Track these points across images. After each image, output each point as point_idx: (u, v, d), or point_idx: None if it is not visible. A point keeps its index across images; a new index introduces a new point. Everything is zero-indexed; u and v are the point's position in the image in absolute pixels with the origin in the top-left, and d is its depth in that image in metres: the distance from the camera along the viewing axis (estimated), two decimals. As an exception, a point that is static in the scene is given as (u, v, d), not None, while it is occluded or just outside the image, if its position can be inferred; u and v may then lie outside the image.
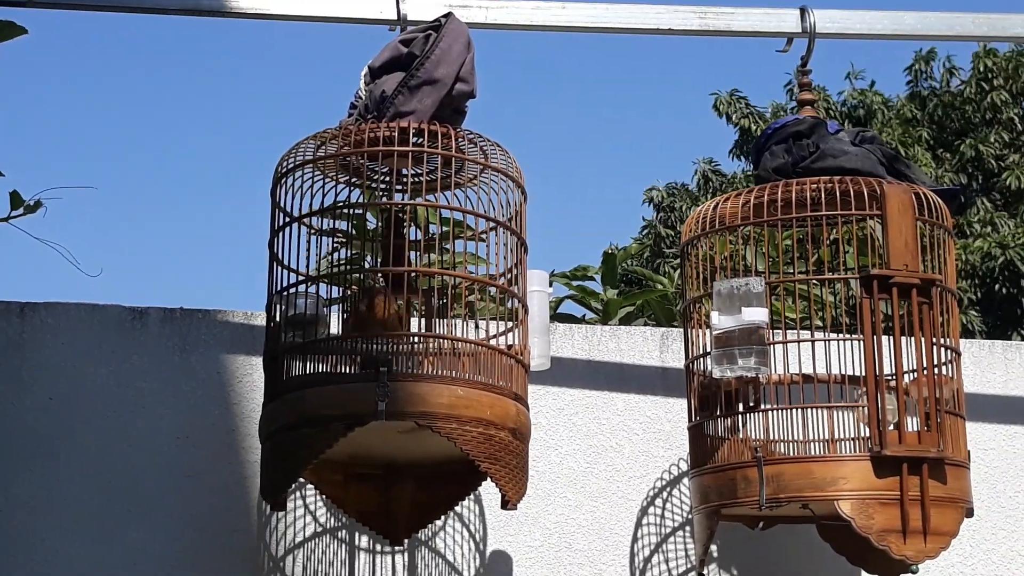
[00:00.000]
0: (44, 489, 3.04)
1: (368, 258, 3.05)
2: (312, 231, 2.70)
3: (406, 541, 2.98)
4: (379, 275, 2.77)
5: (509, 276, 2.70)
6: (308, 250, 2.65)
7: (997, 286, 12.42)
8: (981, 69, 14.52)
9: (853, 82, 15.21)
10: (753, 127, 14.71)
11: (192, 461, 3.12)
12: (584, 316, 5.51)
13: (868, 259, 2.79)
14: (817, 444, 2.91)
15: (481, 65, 2.75)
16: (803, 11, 3.16)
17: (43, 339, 3.12)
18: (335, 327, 2.87)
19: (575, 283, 5.52)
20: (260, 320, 3.19)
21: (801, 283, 3.09)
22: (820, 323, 3.78)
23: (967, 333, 11.54)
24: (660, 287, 5.63)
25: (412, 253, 2.83)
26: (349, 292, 2.79)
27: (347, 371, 2.58)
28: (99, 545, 3.04)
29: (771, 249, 2.87)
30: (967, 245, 12.38)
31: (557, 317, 5.23)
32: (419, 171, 2.79)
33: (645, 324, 4.73)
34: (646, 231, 15.42)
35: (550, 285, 3.00)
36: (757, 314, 2.68)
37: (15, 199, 2.73)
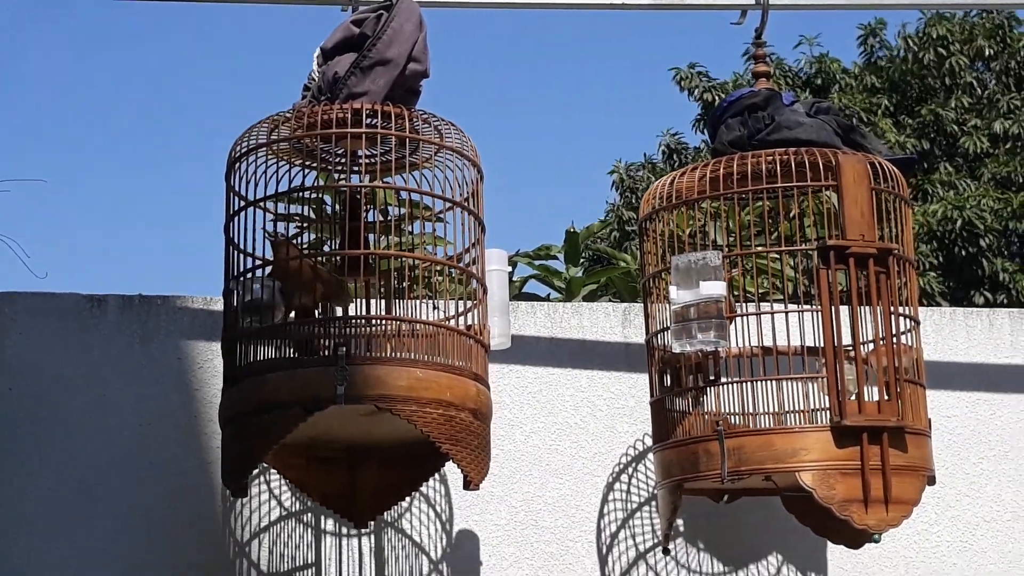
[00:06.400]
0: (5, 478, 3.02)
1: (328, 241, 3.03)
2: (270, 215, 2.68)
3: (371, 523, 2.98)
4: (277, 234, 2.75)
5: (467, 256, 2.69)
6: (264, 234, 2.64)
7: (956, 248, 12.46)
8: (935, 36, 14.56)
9: (810, 49, 15.19)
10: (715, 100, 14.68)
11: (154, 448, 3.11)
12: (548, 295, 5.50)
13: (826, 231, 2.80)
14: (778, 416, 2.92)
15: (435, 44, 2.74)
16: (757, -18, 3.16)
17: (1, 329, 3.10)
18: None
19: (538, 263, 5.49)
20: (220, 305, 3.17)
21: (760, 256, 3.09)
22: (781, 295, 3.78)
23: (927, 297, 11.58)
24: (623, 264, 5.62)
25: (370, 235, 2.81)
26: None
27: (292, 354, 2.57)
28: (62, 534, 3.02)
29: (731, 223, 2.87)
30: (926, 210, 12.43)
31: (521, 297, 5.21)
32: (374, 152, 2.78)
33: (609, 302, 4.72)
34: (610, 213, 15.40)
35: (513, 265, 2.99)
36: (715, 287, 2.68)
37: None
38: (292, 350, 2.58)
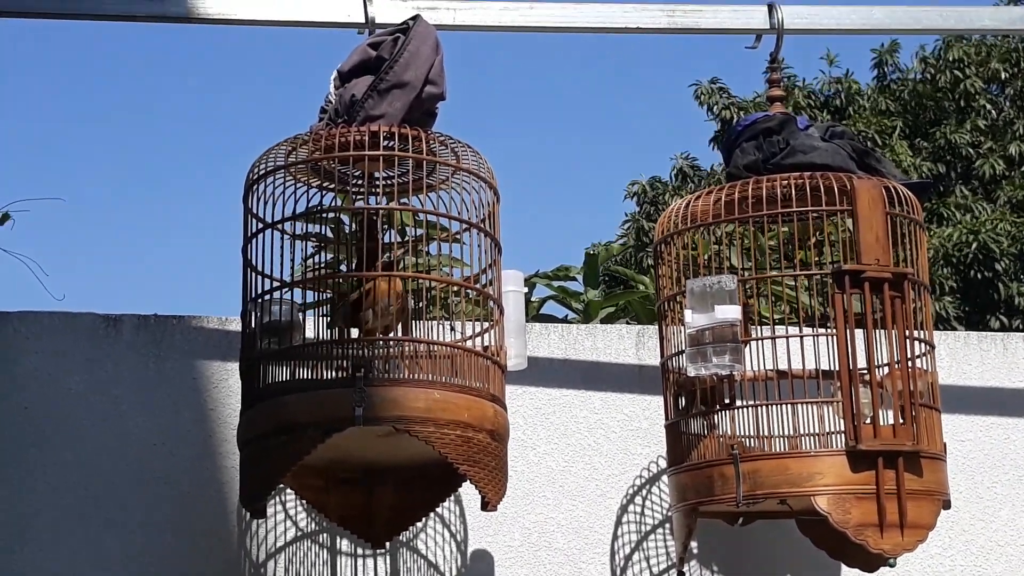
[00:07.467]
0: (19, 498, 3.03)
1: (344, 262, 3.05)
2: (287, 236, 2.70)
3: (387, 544, 2.98)
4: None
5: (484, 277, 2.70)
6: (282, 256, 2.65)
7: (973, 272, 12.45)
8: (951, 59, 14.57)
9: (829, 69, 15.19)
10: (734, 118, 14.65)
11: (169, 468, 3.12)
12: (566, 316, 5.49)
13: (841, 255, 2.80)
14: (793, 440, 2.92)
15: (451, 66, 2.75)
16: (771, 7, 3.18)
17: (17, 348, 3.11)
18: (311, 332, 2.87)
19: (556, 284, 5.49)
20: (235, 325, 3.19)
21: (775, 281, 3.10)
22: (795, 319, 3.79)
23: (943, 321, 11.56)
24: (642, 287, 5.61)
25: (387, 256, 2.83)
26: (327, 295, 2.79)
27: (323, 376, 2.58)
28: (75, 554, 3.03)
29: (747, 242, 2.88)
30: (941, 233, 12.41)
31: (539, 318, 5.21)
32: (391, 174, 2.79)
33: (625, 324, 4.72)
34: (628, 225, 15.39)
35: (532, 286, 3.00)
36: (730, 312, 2.69)
37: None
38: (312, 369, 2.59)
